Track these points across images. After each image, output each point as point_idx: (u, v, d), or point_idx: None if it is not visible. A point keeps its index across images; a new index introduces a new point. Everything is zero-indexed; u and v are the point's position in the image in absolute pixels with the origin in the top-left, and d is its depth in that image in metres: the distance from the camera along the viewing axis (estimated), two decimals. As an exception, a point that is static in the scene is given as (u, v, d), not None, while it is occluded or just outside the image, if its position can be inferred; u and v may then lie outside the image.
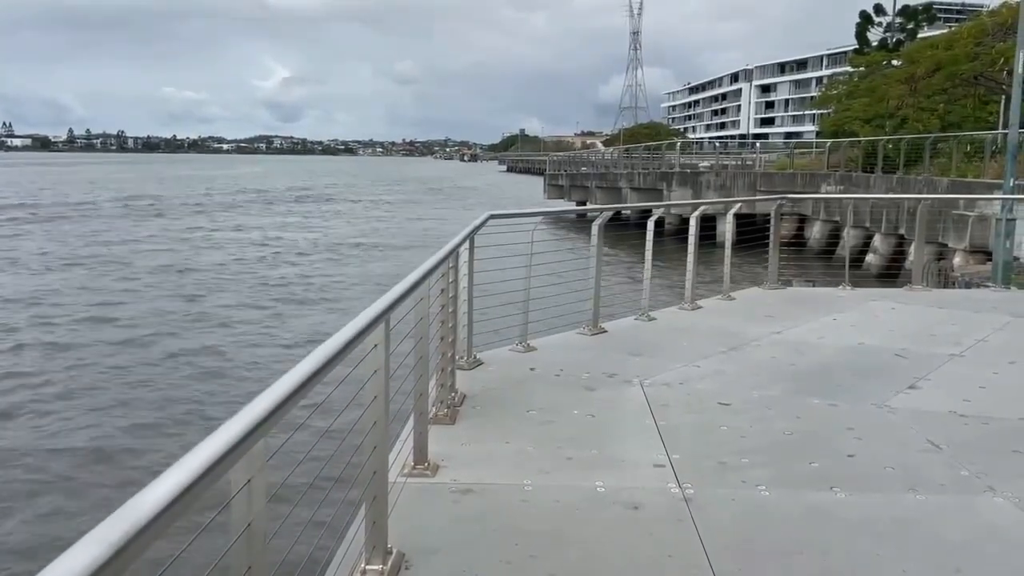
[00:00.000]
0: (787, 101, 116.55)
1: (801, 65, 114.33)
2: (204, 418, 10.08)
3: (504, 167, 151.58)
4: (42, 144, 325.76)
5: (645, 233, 8.02)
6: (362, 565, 2.98)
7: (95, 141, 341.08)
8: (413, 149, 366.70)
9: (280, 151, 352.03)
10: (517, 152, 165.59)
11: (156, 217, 40.88)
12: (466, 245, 5.38)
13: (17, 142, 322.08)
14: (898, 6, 45.74)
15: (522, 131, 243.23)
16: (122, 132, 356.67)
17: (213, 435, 1.38)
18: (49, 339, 14.34)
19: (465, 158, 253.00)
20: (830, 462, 4.29)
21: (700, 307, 8.60)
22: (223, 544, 1.73)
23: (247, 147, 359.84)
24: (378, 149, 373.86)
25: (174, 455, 1.30)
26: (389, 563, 3.02)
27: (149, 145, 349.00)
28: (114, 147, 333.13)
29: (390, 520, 3.10)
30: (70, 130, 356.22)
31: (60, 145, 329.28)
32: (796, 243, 23.76)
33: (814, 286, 11.69)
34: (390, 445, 3.42)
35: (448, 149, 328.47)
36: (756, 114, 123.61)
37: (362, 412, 2.96)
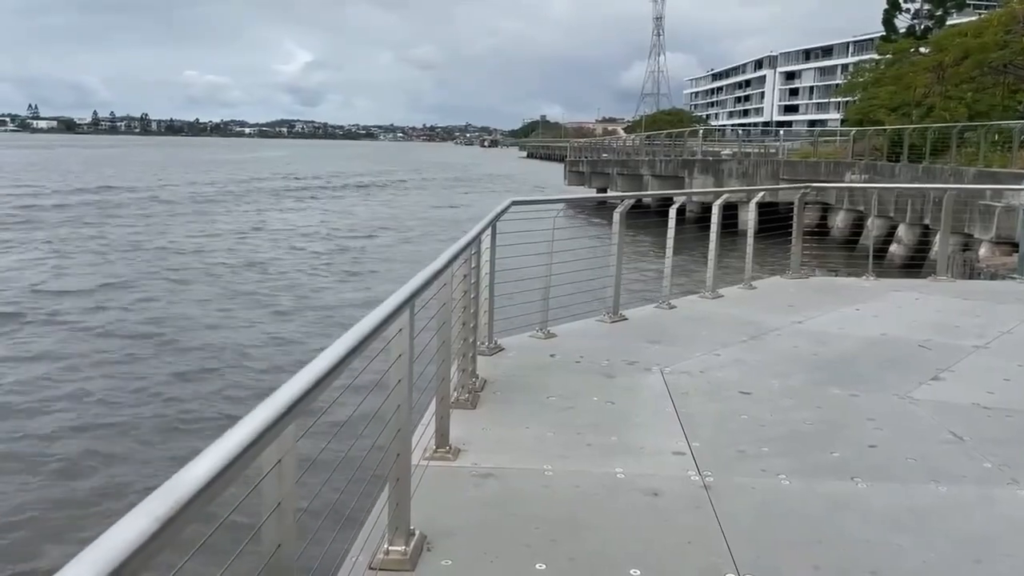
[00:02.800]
0: (812, 88, 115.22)
1: (826, 52, 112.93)
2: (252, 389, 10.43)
3: (524, 153, 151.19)
4: (67, 126, 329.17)
5: (666, 221, 8.00)
6: (385, 546, 3.03)
7: (119, 124, 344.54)
8: (433, 135, 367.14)
9: (301, 135, 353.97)
10: (537, 138, 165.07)
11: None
12: (489, 231, 5.40)
13: (43, 124, 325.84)
14: (927, -7, 44.93)
15: (543, 117, 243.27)
16: (145, 115, 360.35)
17: (249, 416, 1.42)
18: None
19: (485, 144, 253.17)
20: (851, 452, 4.29)
21: (721, 296, 8.57)
22: (254, 522, 1.77)
23: (269, 131, 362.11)
24: (398, 134, 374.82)
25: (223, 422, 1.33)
26: (411, 544, 3.06)
27: (172, 128, 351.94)
28: (137, 130, 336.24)
29: (412, 502, 3.14)
30: (94, 112, 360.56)
31: (85, 127, 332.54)
32: (819, 232, 23.52)
33: (837, 276, 11.62)
34: (412, 428, 3.46)
35: (468, 135, 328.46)
36: (780, 101, 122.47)
37: (386, 395, 3.00)
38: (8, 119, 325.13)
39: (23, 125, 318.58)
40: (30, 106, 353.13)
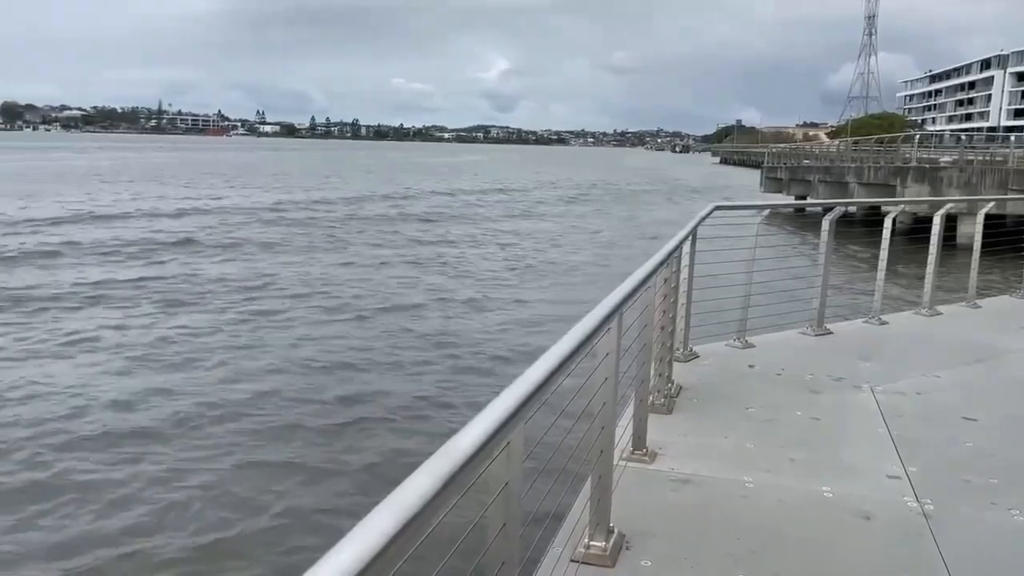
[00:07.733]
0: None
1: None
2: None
3: (717, 159, 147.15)
4: (288, 131, 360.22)
5: (872, 231, 7.53)
6: (586, 540, 3.09)
7: (333, 129, 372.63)
8: (624, 140, 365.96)
9: (496, 140, 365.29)
10: (731, 144, 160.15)
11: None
12: (690, 238, 5.34)
13: (268, 128, 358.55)
14: None
15: (738, 122, 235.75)
16: (356, 120, 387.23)
17: (497, 399, 1.53)
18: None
19: (676, 149, 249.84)
20: None
21: (940, 313, 7.92)
22: (479, 502, 1.87)
23: (466, 136, 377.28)
24: (588, 140, 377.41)
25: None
26: (611, 541, 3.10)
27: (379, 133, 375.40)
28: (349, 134, 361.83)
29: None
30: (312, 118, 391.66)
31: (304, 132, 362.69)
32: (1054, 249, 21.06)
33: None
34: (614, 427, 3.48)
35: (660, 140, 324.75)
36: (1009, 104, 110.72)
37: (593, 393, 3.05)
38: (239, 124, 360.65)
39: (251, 129, 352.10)
40: (258, 112, 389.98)
